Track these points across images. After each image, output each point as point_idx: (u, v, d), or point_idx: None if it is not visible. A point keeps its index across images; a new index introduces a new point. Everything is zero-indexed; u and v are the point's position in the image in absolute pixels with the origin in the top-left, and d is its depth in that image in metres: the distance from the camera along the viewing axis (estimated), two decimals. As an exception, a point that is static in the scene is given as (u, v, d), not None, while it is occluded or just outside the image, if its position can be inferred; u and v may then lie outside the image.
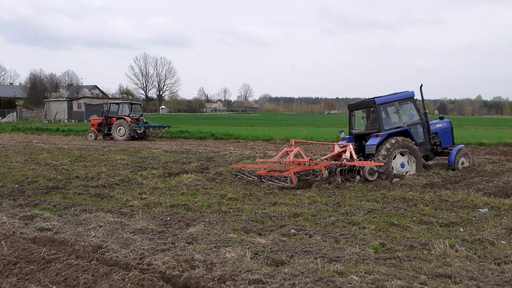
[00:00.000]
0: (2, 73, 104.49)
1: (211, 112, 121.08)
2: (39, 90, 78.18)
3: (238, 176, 11.41)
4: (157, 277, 4.36)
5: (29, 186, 9.97)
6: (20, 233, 5.98)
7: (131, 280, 4.25)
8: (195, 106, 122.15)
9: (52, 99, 66.45)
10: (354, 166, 10.36)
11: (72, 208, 7.74)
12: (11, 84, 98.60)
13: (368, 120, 12.40)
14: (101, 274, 4.47)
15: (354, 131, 12.55)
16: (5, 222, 6.48)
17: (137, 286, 4.14)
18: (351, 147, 11.25)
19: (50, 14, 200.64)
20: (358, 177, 10.24)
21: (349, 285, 4.06)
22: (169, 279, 4.35)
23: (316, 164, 10.49)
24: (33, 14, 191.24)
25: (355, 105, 12.70)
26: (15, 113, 58.05)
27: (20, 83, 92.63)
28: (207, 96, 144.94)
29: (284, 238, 5.86)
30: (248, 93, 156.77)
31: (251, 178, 10.98)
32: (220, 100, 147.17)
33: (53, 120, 56.52)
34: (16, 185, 10.00)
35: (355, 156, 10.91)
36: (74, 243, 5.45)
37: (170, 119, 64.14)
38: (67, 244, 5.48)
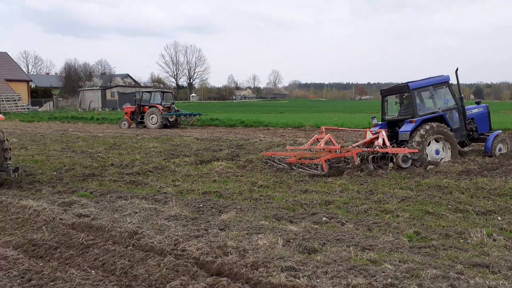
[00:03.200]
0: (39, 63, 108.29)
1: (241, 99, 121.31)
2: (74, 79, 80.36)
3: (269, 164, 11.43)
4: (191, 263, 4.45)
5: (67, 173, 10.32)
6: (60, 219, 6.21)
7: (166, 265, 4.36)
8: (225, 94, 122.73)
9: (86, 88, 68.18)
10: (387, 153, 10.19)
11: (108, 195, 7.96)
12: (47, 74, 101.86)
13: (401, 105, 12.14)
14: (137, 259, 4.60)
15: (387, 117, 12.31)
16: (45, 208, 6.74)
17: (172, 272, 4.23)
18: (383, 133, 11.05)
19: (83, 4, 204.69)
20: (391, 164, 10.07)
21: (383, 273, 4.03)
22: (203, 265, 4.44)
23: (348, 151, 10.37)
24: (67, 3, 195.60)
25: (388, 90, 12.44)
26: (51, 102, 59.89)
27: (56, 73, 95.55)
28: (237, 84, 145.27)
29: (316, 226, 5.85)
30: (277, 80, 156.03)
31: (281, 166, 10.98)
32: (249, 87, 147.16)
33: (87, 109, 58.03)
34: (55, 173, 10.37)
35: (388, 143, 10.72)
36: (110, 229, 5.62)
37: (200, 107, 64.75)
38: (104, 230, 5.66)
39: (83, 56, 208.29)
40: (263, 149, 14.89)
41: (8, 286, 3.96)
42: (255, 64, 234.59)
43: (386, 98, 12.40)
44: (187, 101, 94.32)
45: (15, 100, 50.90)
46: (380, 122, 12.23)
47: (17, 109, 49.35)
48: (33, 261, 4.67)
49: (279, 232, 5.56)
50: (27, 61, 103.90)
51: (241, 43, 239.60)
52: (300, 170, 10.33)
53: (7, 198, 7.49)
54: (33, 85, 67.53)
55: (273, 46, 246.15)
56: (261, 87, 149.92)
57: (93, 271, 4.41)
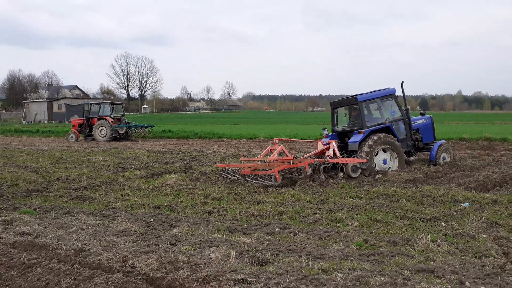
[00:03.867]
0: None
1: (194, 111, 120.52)
2: (18, 91, 76.75)
3: (222, 176, 11.37)
4: (140, 280, 4.31)
5: (8, 189, 9.76)
6: (0, 238, 5.84)
7: (114, 283, 4.19)
8: (178, 105, 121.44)
9: (32, 100, 65.26)
10: (337, 163, 10.43)
11: (53, 211, 7.59)
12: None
13: (350, 117, 12.50)
14: (84, 278, 4.40)
15: (337, 128, 12.63)
16: (-16, 227, 6.32)
17: (121, 289, 4.08)
18: (334, 144, 11.33)
19: (31, 13, 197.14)
20: (341, 174, 10.31)
21: (334, 282, 4.08)
22: (153, 281, 4.31)
23: (300, 162, 10.52)
24: (13, 12, 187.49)
25: (337, 103, 12.78)
26: (-7, 115, 56.86)
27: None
28: (190, 95, 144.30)
29: (269, 237, 5.85)
30: (231, 92, 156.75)
31: (235, 177, 10.95)
32: (203, 99, 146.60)
33: (33, 122, 55.50)
34: (-5, 189, 9.78)
35: (338, 153, 10.99)
36: (55, 247, 5.35)
37: (152, 118, 63.64)
38: (48, 248, 5.37)
39: (30, 67, 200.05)
40: (217, 160, 14.81)
41: None
42: (209, 76, 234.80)
43: (336, 110, 12.73)
44: (138, 113, 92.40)
45: (-49, 113, 47.80)
46: (331, 133, 12.53)
47: (-46, 122, 46.33)
48: (-33, 285, 4.36)
49: (232, 244, 5.50)
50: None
51: (195, 55, 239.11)
52: (254, 181, 10.35)
53: None
54: (-28, 97, 63.75)
55: (227, 59, 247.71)
56: (215, 99, 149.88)
57: (34, 293, 4.17)
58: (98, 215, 7.33)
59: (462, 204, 7.51)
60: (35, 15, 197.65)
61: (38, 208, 7.88)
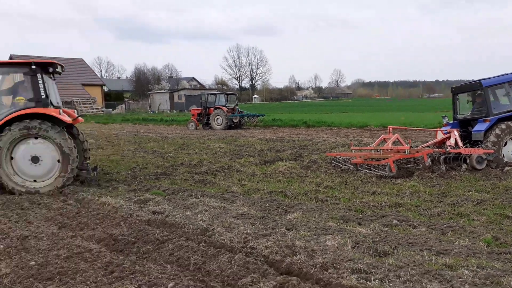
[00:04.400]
0: (111, 68, 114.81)
1: (302, 99, 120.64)
2: (143, 83, 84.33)
3: (333, 164, 11.33)
4: (261, 261, 4.54)
5: (140, 172, 10.90)
6: (136, 215, 6.58)
7: (237, 262, 4.48)
8: (286, 94, 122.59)
9: (155, 91, 71.24)
10: (459, 153, 9.71)
11: (180, 193, 8.30)
12: (119, 78, 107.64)
13: (474, 104, 11.49)
14: (209, 255, 4.77)
15: (458, 116, 11.72)
16: (123, 205, 7.16)
17: (243, 269, 4.35)
18: (455, 133, 10.55)
19: (151, 10, 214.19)
20: (464, 166, 9.58)
21: (460, 279, 3.87)
22: (272, 263, 4.51)
23: (418, 152, 10.01)
24: (136, 11, 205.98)
25: (459, 88, 11.85)
26: (123, 105, 63.34)
27: (127, 77, 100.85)
28: (298, 84, 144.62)
29: (386, 229, 5.73)
30: (339, 79, 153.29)
31: (346, 166, 10.83)
32: (311, 87, 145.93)
33: (157, 111, 60.56)
34: (129, 172, 10.99)
35: (460, 143, 10.21)
36: (183, 226, 5.87)
37: (262, 107, 65.29)
38: (177, 226, 5.92)
39: (152, 60, 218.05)
40: (327, 149, 14.76)
41: (93, 277, 4.28)
42: (316, 64, 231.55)
43: (457, 96, 11.81)
44: (249, 102, 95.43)
45: (90, 103, 54.41)
46: (452, 122, 11.67)
47: (92, 111, 52.70)
48: (114, 255, 4.99)
49: (347, 233, 5.51)
50: (100, 67, 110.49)
51: (302, 43, 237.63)
52: (367, 171, 10.13)
53: (88, 195, 8.05)
54: (106, 89, 71.65)
55: (335, 46, 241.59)
56: (323, 87, 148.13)
57: (168, 266, 4.64)
58: (219, 198, 7.84)
59: None
60: (155, 12, 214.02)
61: (167, 189, 8.69)
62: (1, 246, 5.28)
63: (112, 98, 68.26)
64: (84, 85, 58.27)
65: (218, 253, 4.82)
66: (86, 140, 9.82)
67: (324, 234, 5.47)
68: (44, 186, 8.47)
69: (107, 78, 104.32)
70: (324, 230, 5.71)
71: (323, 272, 4.20)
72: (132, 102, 71.50)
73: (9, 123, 8.30)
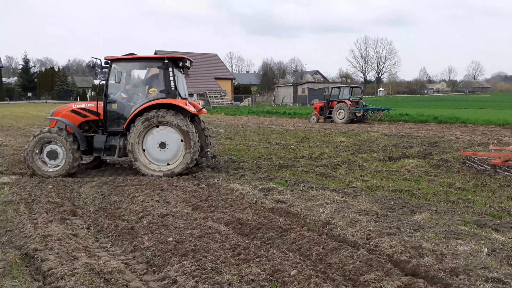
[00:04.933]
0: (241, 62, 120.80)
1: (433, 93, 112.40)
2: (269, 77, 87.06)
3: (467, 165, 10.43)
4: (384, 259, 4.44)
5: (264, 162, 11.34)
6: (261, 202, 6.88)
7: (359, 258, 4.45)
8: (415, 88, 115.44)
9: (280, 85, 72.92)
10: None
11: (301, 185, 8.46)
12: (247, 72, 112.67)
13: None
14: (331, 248, 4.81)
15: None
16: (249, 192, 7.56)
17: (366, 265, 4.30)
18: None
19: (280, 4, 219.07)
20: None
21: None
22: (397, 263, 4.38)
23: None
24: (266, 5, 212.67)
25: None
26: (250, 98, 66.13)
27: (254, 71, 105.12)
28: (429, 76, 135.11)
29: (529, 238, 5.14)
30: (477, 72, 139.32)
31: (482, 168, 9.88)
32: (443, 80, 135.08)
33: (280, 104, 61.99)
34: (254, 161, 11.52)
35: None
36: (305, 217, 5.99)
37: (388, 101, 62.51)
38: (299, 216, 6.06)
39: (278, 55, 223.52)
40: (460, 148, 13.63)
41: (223, 257, 4.62)
42: (452, 55, 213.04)
43: None
44: (374, 96, 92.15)
45: (221, 96, 57.93)
46: None
47: (222, 104, 56.09)
48: (240, 238, 5.33)
49: (482, 239, 5.08)
50: (231, 61, 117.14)
51: (437, 34, 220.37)
52: (508, 173, 9.13)
53: (218, 181, 8.66)
54: (235, 83, 75.53)
55: (474, 36, 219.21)
56: (458, 80, 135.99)
57: (291, 254, 4.79)
58: (340, 192, 7.81)
59: None
60: (284, 6, 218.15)
61: (289, 180, 8.92)
62: (145, 221, 6.00)
63: (240, 91, 71.80)
64: (216, 78, 62.19)
65: (340, 247, 4.83)
66: (206, 128, 10.54)
67: (455, 238, 5.12)
68: (177, 165, 9.31)
69: (237, 72, 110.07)
70: (455, 234, 5.34)
71: (453, 278, 3.97)
72: (258, 95, 74.29)
73: (143, 112, 9.16)
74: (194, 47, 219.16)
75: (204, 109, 10.26)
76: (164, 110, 9.16)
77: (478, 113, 32.39)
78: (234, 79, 72.18)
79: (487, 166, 9.83)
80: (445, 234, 5.32)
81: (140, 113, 9.20)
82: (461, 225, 5.77)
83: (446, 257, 4.45)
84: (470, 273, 4.03)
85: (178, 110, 9.28)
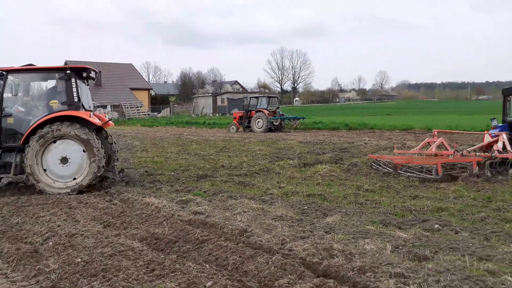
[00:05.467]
0: (158, 72, 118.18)
1: (344, 102, 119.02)
2: (188, 87, 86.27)
3: (374, 167, 11.15)
4: (298, 263, 4.57)
5: (183, 174, 11.18)
6: (178, 215, 6.76)
7: (274, 263, 4.54)
8: (328, 97, 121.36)
9: (199, 95, 72.62)
10: (506, 158, 9.30)
11: (220, 195, 8.46)
12: (165, 82, 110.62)
13: (526, 105, 10.98)
14: (247, 256, 4.85)
15: (509, 119, 11.23)
16: (165, 205, 7.39)
17: (280, 270, 4.40)
18: (504, 136, 10.10)
19: (199, 15, 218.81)
20: (511, 171, 9.17)
21: (503, 286, 3.76)
22: (309, 265, 4.54)
23: (466, 157, 9.68)
24: (184, 16, 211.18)
25: (510, 89, 11.36)
26: (168, 109, 64.96)
27: (172, 81, 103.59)
28: (340, 86, 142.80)
29: (427, 233, 5.61)
30: (384, 81, 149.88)
31: (387, 170, 10.63)
32: (353, 89, 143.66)
33: (200, 114, 61.72)
34: (172, 173, 11.31)
35: (509, 147, 9.78)
36: (223, 226, 5.99)
37: (303, 110, 64.99)
38: (217, 227, 6.04)
39: (197, 65, 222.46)
40: (368, 152, 14.54)
41: (135, 275, 4.45)
42: (361, 65, 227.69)
43: (508, 98, 11.33)
44: (290, 105, 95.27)
45: (137, 107, 56.20)
46: (501, 124, 11.20)
47: (139, 115, 54.43)
48: (155, 253, 5.17)
49: (387, 237, 5.44)
50: (148, 71, 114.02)
51: (347, 45, 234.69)
52: (409, 174, 9.90)
53: (133, 195, 8.35)
54: (153, 93, 73.75)
55: (380, 47, 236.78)
56: (367, 89, 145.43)
57: (207, 265, 4.75)
58: (258, 199, 7.93)
59: None
60: (203, 17, 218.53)
61: (207, 191, 8.88)
62: (50, 243, 5.60)
63: (158, 101, 70.23)
64: (132, 89, 60.23)
65: (256, 253, 4.89)
66: (114, 142, 10.13)
67: (363, 238, 5.43)
68: (84, 177, 8.77)
69: (154, 82, 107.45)
70: (363, 233, 5.67)
71: (360, 276, 4.19)
72: (176, 105, 73.20)
73: (42, 126, 8.57)
74: (108, 57, 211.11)
75: (110, 122, 9.84)
76: (59, 123, 8.61)
77: (384, 120, 34.87)
78: (151, 89, 70.54)
79: (390, 169, 10.57)
80: (354, 234, 5.62)
81: (38, 127, 8.60)
82: (368, 225, 6.14)
83: (354, 256, 4.70)
84: (376, 270, 4.29)
85: (82, 122, 8.81)
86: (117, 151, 10.29)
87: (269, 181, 10.03)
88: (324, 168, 11.26)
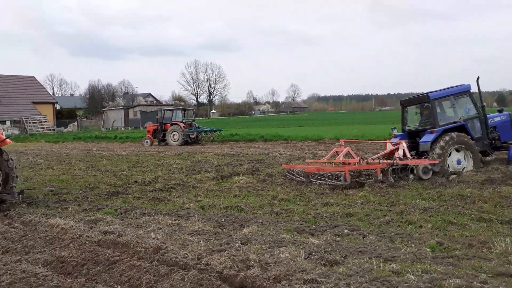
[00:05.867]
0: (64, 85, 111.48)
1: (260, 114, 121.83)
2: (97, 100, 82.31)
3: (288, 177, 11.48)
4: (214, 277, 4.52)
5: (92, 192, 10.57)
6: (86, 236, 6.38)
7: (190, 279, 4.44)
8: (244, 109, 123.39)
9: (110, 108, 69.68)
10: (407, 164, 10.12)
11: (133, 212, 8.13)
12: (72, 95, 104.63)
13: (422, 116, 12.06)
14: (162, 274, 4.70)
15: (407, 128, 12.24)
16: (72, 226, 6.92)
17: (196, 286, 4.32)
18: (404, 144, 10.98)
19: (107, 26, 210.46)
20: (411, 176, 9.99)
21: (406, 284, 4.02)
22: (226, 278, 4.51)
23: (371, 165, 10.34)
24: (92, 27, 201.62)
25: (408, 101, 12.40)
26: (76, 123, 61.39)
27: (80, 94, 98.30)
28: (256, 99, 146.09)
29: (338, 238, 5.87)
30: (296, 94, 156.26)
31: (301, 179, 11.00)
32: (268, 102, 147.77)
33: (111, 128, 59.16)
34: (80, 191, 10.64)
35: (408, 154, 10.64)
36: (135, 245, 5.75)
37: (220, 122, 65.27)
38: (129, 246, 5.79)
39: (107, 77, 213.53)
40: (283, 162, 14.94)
41: (39, 302, 4.10)
42: (274, 79, 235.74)
43: (406, 109, 12.35)
44: (207, 118, 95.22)
45: (41, 122, 52.31)
46: (401, 133, 12.16)
47: (43, 130, 50.66)
48: (61, 278, 4.82)
49: (300, 245, 5.59)
50: (52, 84, 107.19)
51: (260, 59, 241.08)
52: (320, 181, 10.32)
53: (36, 217, 7.72)
54: (58, 107, 69.37)
55: (292, 61, 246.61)
56: (280, 102, 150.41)
57: (119, 287, 4.53)
58: (174, 215, 7.74)
59: (547, 206, 7.00)
60: (111, 28, 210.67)
61: (119, 209, 8.48)
62: None
63: (64, 116, 66.02)
64: (35, 103, 56.06)
65: (171, 271, 4.76)
66: (11, 159, 9.25)
67: (278, 247, 5.52)
68: None
69: (60, 95, 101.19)
70: (278, 242, 5.77)
71: (276, 284, 4.24)
72: (85, 119, 69.46)
73: None
74: (7, 69, 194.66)
75: (8, 140, 9.00)
76: None
77: (297, 131, 36.18)
78: (57, 103, 66.29)
79: (302, 178, 10.94)
80: (270, 243, 5.70)
81: None
82: (283, 233, 6.27)
83: (270, 265, 4.75)
84: (291, 278, 4.38)
85: None
86: (15, 168, 9.36)
87: (186, 195, 9.86)
88: (241, 179, 11.35)
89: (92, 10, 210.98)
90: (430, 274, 4.25)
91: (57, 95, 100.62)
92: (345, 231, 6.19)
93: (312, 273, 4.45)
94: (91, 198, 9.71)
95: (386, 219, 6.77)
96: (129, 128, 58.61)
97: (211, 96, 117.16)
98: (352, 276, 4.35)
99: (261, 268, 4.66)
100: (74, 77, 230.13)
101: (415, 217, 6.77)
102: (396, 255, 4.96)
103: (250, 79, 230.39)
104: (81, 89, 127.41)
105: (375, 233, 6.06)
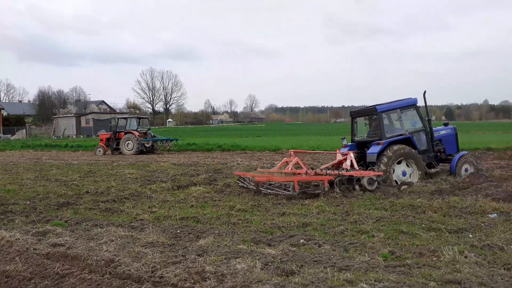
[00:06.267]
0: (11, 91, 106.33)
1: (218, 124, 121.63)
2: (48, 106, 79.23)
3: (239, 184, 11.41)
4: (169, 290, 4.42)
5: (41, 202, 10.10)
6: (34, 249, 6.08)
7: (144, 293, 4.32)
8: (202, 119, 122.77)
9: (61, 116, 67.24)
10: (352, 175, 10.31)
11: (84, 223, 7.83)
12: (20, 101, 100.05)
13: (370, 127, 12.45)
14: (115, 287, 4.54)
15: (356, 138, 12.58)
16: (19, 239, 6.57)
17: (150, 299, 4.20)
18: (351, 155, 11.19)
19: (59, 32, 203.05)
20: (357, 187, 10.18)
21: (359, 293, 4.10)
22: (181, 291, 4.41)
23: (319, 176, 10.48)
24: (43, 32, 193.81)
25: (357, 112, 12.77)
26: (24, 130, 58.70)
27: (29, 101, 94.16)
28: (214, 108, 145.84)
29: (294, 248, 5.90)
30: (254, 104, 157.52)
31: (251, 187, 10.96)
32: (226, 112, 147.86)
33: (61, 136, 57.06)
34: (28, 202, 10.13)
35: (355, 165, 10.89)
36: (86, 258, 5.53)
37: (177, 132, 64.51)
38: (79, 259, 5.56)
39: (58, 83, 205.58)
40: (241, 172, 14.91)
41: (-21, 321, 3.85)
42: (232, 89, 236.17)
43: (355, 120, 12.71)
44: (163, 127, 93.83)
45: (-15, 129, 49.64)
46: (350, 144, 12.46)
47: (-13, 137, 48.09)
48: (5, 294, 4.56)
49: (257, 255, 5.58)
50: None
51: (218, 69, 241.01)
52: (269, 191, 10.32)
53: (-22, 229, 7.27)
54: (5, 113, 66.16)
55: (249, 72, 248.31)
56: (238, 112, 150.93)
57: (68, 302, 4.33)
58: (127, 226, 7.52)
59: (490, 215, 7.39)
60: (63, 34, 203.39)
61: (69, 220, 8.14)
62: None
63: (11, 123, 63.03)
64: (-22, 109, 53.22)
65: (124, 284, 4.61)
66: None
67: (235, 258, 5.48)
68: None
69: (7, 101, 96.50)
70: (235, 253, 5.73)
71: (232, 296, 4.20)
72: (34, 127, 66.58)
73: None
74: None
75: None
76: None
77: (255, 141, 36.35)
78: (3, 109, 63.21)
79: (253, 186, 10.93)
80: (226, 254, 5.65)
81: None
82: (240, 244, 6.24)
83: (226, 277, 4.71)
84: (247, 289, 4.35)
85: None
86: None
87: (140, 206, 9.62)
88: (198, 189, 11.22)
89: (43, 14, 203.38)
90: (383, 283, 4.36)
91: (3, 101, 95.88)
92: (301, 240, 6.25)
93: (268, 283, 4.45)
94: (40, 209, 9.27)
95: (340, 228, 6.89)
96: (81, 136, 56.78)
97: (168, 105, 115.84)
98: (308, 286, 4.38)
99: (217, 280, 4.61)
100: (23, 82, 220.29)
101: (368, 226, 6.94)
102: (350, 264, 5.05)
103: (208, 88, 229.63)
104: (30, 95, 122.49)
105: (330, 242, 6.15)
